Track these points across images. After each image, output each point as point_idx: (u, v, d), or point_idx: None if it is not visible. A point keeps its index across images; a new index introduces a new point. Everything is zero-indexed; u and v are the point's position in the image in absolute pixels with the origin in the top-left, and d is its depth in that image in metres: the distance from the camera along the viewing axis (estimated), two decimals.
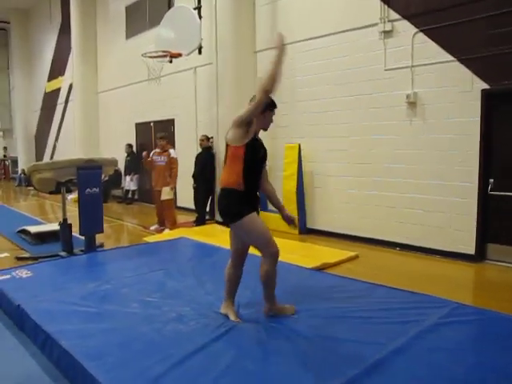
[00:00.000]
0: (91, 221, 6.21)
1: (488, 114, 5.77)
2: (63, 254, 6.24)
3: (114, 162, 7.29)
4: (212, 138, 8.94)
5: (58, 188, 6.41)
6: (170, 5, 10.48)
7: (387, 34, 6.65)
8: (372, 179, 7.02)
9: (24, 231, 7.57)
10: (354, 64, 7.11)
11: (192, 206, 9.24)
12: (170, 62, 8.47)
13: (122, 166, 12.36)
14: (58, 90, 17.30)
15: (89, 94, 14.46)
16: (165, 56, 8.27)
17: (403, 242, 6.67)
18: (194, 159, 9.00)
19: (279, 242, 7.21)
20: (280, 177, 8.28)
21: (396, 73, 6.59)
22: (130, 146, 12.61)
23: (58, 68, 17.19)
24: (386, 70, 6.70)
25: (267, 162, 3.83)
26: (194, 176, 8.88)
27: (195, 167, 8.90)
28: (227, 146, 3.63)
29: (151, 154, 8.42)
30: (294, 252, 6.25)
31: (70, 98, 15.96)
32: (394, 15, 6.57)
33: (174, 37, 8.38)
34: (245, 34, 8.60)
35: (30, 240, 7.21)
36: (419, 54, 6.32)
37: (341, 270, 5.53)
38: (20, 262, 6.03)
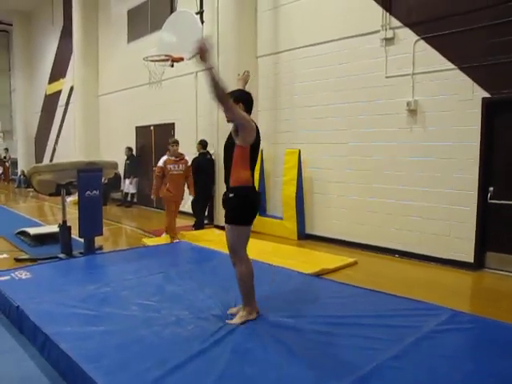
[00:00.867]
0: (91, 223, 6.22)
1: (488, 122, 5.80)
2: (62, 256, 6.24)
3: (115, 165, 7.30)
4: (207, 143, 8.94)
5: (58, 190, 6.41)
6: (172, 9, 10.52)
7: (388, 41, 6.69)
8: (371, 186, 7.03)
9: (23, 233, 7.57)
10: (354, 71, 7.14)
11: (190, 210, 9.23)
12: (172, 66, 8.49)
13: (121, 169, 12.37)
14: (59, 92, 17.34)
15: (89, 97, 14.50)
16: (166, 60, 8.30)
17: (402, 249, 6.68)
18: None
19: (278, 247, 7.27)
20: (280, 182, 8.30)
21: (397, 80, 6.62)
22: (129, 149, 12.63)
23: (59, 70, 17.24)
24: (386, 77, 6.74)
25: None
26: None
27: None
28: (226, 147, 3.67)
29: (162, 163, 7.54)
30: (293, 257, 6.28)
31: (71, 100, 16.00)
32: (395, 23, 6.61)
33: (176, 41, 8.41)
34: (246, 38, 8.65)
35: (29, 242, 7.20)
36: (420, 61, 6.35)
37: (339, 276, 5.53)
38: (19, 263, 6.03)
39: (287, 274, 5.10)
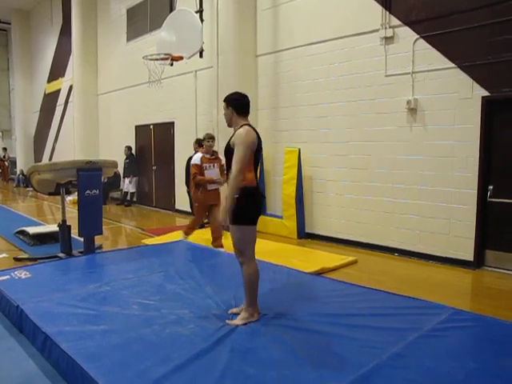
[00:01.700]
0: (90, 222, 6.20)
1: (488, 120, 5.80)
2: (62, 255, 6.24)
3: (115, 164, 7.27)
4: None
5: (58, 189, 6.41)
6: (171, 8, 10.51)
7: (388, 40, 6.68)
8: (371, 184, 7.03)
9: (22, 232, 7.56)
10: (354, 69, 7.14)
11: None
12: (171, 64, 8.48)
13: (120, 168, 12.36)
14: (58, 91, 17.32)
15: (89, 96, 14.49)
16: (166, 59, 8.29)
17: (402, 248, 6.69)
18: None
19: (278, 246, 7.26)
20: (279, 181, 8.30)
21: (397, 79, 6.62)
22: (129, 148, 12.63)
23: (58, 69, 17.21)
24: (386, 75, 6.73)
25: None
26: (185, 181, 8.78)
27: (185, 172, 8.74)
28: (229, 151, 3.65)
29: (198, 160, 6.59)
30: (293, 256, 6.28)
31: (70, 99, 15.98)
32: (395, 21, 6.61)
33: (176, 40, 8.41)
34: (246, 37, 8.64)
35: (28, 241, 7.20)
36: (420, 60, 6.35)
37: (339, 275, 5.53)
38: (18, 262, 6.03)
39: (287, 273, 5.10)
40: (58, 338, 3.27)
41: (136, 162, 12.64)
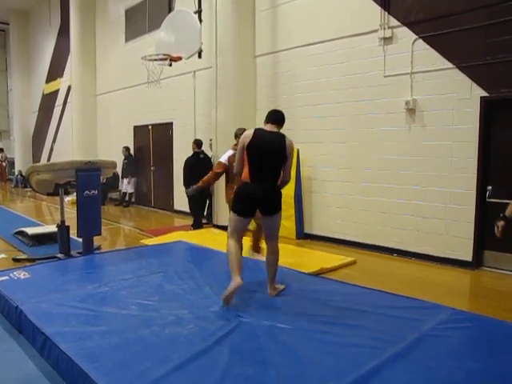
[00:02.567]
0: (89, 223, 6.19)
1: (487, 121, 5.80)
2: (61, 255, 6.23)
3: (114, 165, 7.26)
4: (202, 142, 8.90)
5: (56, 190, 6.39)
6: (170, 8, 10.50)
7: (387, 40, 6.69)
8: (370, 185, 7.04)
9: (21, 233, 7.55)
10: (353, 70, 7.14)
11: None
12: (170, 65, 8.48)
13: (119, 169, 12.34)
14: (57, 91, 17.29)
15: (87, 97, 14.46)
16: (165, 59, 8.28)
17: (401, 248, 6.69)
18: None
19: None
20: None
21: (395, 79, 6.63)
22: (127, 148, 12.61)
23: (56, 70, 17.19)
24: (385, 76, 6.74)
25: None
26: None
27: (183, 173, 8.72)
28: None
29: (225, 159, 5.94)
30: (292, 257, 6.26)
31: (68, 100, 15.95)
32: (394, 22, 6.61)
33: (174, 40, 8.41)
34: (245, 38, 8.64)
35: (27, 241, 7.19)
36: (419, 60, 6.36)
37: (338, 275, 5.54)
38: (17, 263, 6.02)
39: (286, 273, 5.09)
40: (58, 338, 3.26)
41: (134, 162, 12.63)
